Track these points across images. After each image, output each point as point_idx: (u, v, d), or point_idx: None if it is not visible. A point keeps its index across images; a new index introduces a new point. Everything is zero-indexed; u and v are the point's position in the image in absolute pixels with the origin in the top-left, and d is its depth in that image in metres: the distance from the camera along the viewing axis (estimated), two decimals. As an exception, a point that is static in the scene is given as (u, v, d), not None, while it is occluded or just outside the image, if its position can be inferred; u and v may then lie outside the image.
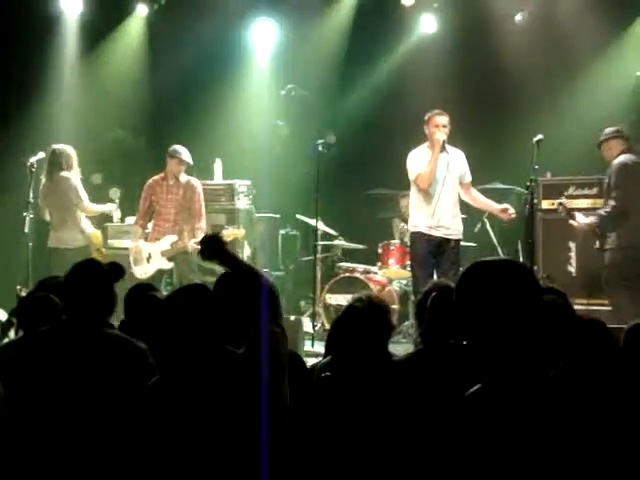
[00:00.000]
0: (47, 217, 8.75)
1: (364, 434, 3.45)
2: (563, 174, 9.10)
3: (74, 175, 8.63)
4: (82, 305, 3.72)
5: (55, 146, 8.70)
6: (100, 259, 8.23)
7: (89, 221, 8.83)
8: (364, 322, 3.67)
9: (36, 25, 9.96)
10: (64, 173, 8.57)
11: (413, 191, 8.08)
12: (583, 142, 8.99)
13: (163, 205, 8.62)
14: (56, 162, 8.59)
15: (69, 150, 8.70)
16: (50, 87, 10.30)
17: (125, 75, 10.50)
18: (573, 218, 8.08)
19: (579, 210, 8.27)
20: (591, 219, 7.93)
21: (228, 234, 8.65)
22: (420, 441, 3.33)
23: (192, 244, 8.29)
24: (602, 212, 7.87)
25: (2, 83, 10.00)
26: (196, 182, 8.70)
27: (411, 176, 8.03)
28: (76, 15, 10.44)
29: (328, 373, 3.64)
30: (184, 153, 8.60)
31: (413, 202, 8.08)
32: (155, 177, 8.74)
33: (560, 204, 8.29)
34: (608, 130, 8.00)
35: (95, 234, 8.93)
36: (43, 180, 8.67)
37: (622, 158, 7.83)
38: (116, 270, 3.92)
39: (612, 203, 7.75)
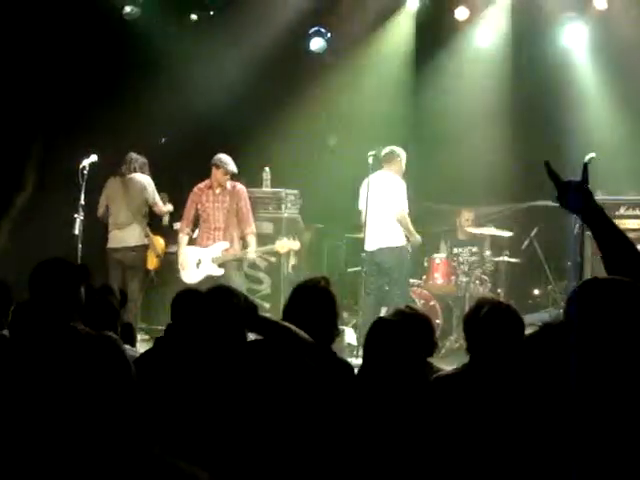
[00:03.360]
0: (107, 217, 8.88)
1: (399, 446, 3.42)
2: (615, 193, 8.99)
3: (150, 179, 8.87)
4: (49, 301, 3.73)
5: (132, 152, 9.05)
6: (156, 264, 8.33)
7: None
8: (399, 334, 3.64)
9: (86, 27, 10.08)
10: (140, 175, 8.79)
11: (395, 213, 8.79)
12: (635, 162, 8.89)
13: (210, 213, 8.69)
14: (131, 165, 8.81)
15: (144, 159, 9.05)
16: (111, 92, 10.42)
17: (176, 81, 10.57)
18: None
19: (629, 231, 8.16)
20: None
21: (282, 246, 8.68)
22: (464, 457, 3.30)
23: (248, 252, 8.54)
24: None
25: (64, 88, 10.12)
26: (242, 187, 8.79)
27: (401, 206, 8.79)
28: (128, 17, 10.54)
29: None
30: (230, 164, 8.67)
31: (397, 222, 8.82)
32: (200, 185, 8.82)
33: None
34: None
35: (158, 239, 9.09)
36: (113, 180, 8.87)
37: None
38: (82, 271, 3.95)
39: None
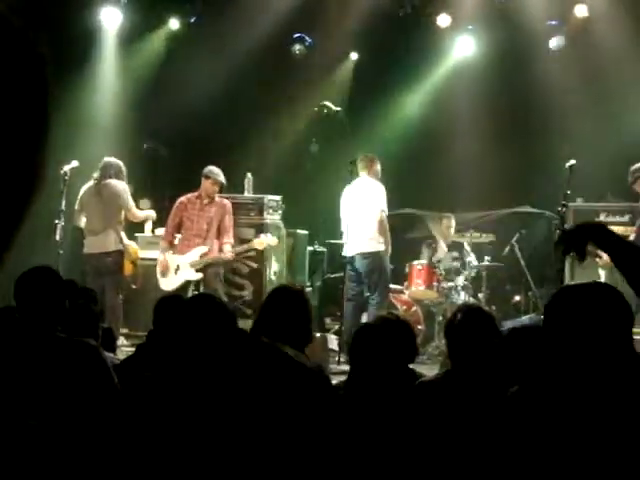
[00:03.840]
0: (82, 224, 8.86)
1: (384, 452, 3.43)
2: (595, 200, 9.05)
3: (124, 184, 8.81)
4: (33, 309, 3.76)
5: (107, 158, 8.91)
6: (131, 270, 8.30)
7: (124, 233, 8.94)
8: (383, 340, 3.66)
9: (72, 36, 10.06)
10: (114, 180, 8.74)
11: (375, 218, 8.71)
12: (616, 168, 8.95)
13: (195, 220, 8.74)
14: (106, 171, 8.75)
15: (120, 164, 8.91)
16: (84, 97, 10.39)
17: (158, 88, 10.57)
18: (597, 256, 8.05)
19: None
20: None
21: (260, 242, 8.73)
22: (445, 461, 3.32)
23: (228, 252, 8.57)
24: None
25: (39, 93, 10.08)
26: (229, 203, 8.91)
27: (381, 207, 8.72)
28: (114, 27, 10.53)
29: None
30: (220, 175, 8.78)
31: (377, 226, 8.73)
32: (189, 195, 8.87)
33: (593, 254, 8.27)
34: (631, 171, 8.01)
35: (132, 247, 9.04)
36: (87, 186, 8.81)
37: None
38: (69, 286, 4.01)
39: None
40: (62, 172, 8.55)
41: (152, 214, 9.38)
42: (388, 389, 3.58)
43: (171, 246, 8.90)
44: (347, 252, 8.77)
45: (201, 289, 8.83)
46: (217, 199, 8.83)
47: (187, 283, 8.61)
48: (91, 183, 8.85)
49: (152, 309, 4.55)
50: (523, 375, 3.25)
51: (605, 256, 7.97)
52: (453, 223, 10.45)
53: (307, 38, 11.07)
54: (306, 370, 3.73)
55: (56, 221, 8.42)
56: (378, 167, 9.04)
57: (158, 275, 8.76)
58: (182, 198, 8.90)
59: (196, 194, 8.84)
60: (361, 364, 3.68)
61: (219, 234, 8.73)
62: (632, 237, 7.87)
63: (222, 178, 8.79)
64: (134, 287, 9.13)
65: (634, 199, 8.40)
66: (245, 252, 9.03)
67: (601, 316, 2.36)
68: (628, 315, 2.40)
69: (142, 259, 9.71)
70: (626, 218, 8.66)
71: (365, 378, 3.63)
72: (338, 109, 10.78)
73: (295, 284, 4.23)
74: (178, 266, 8.69)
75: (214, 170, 8.78)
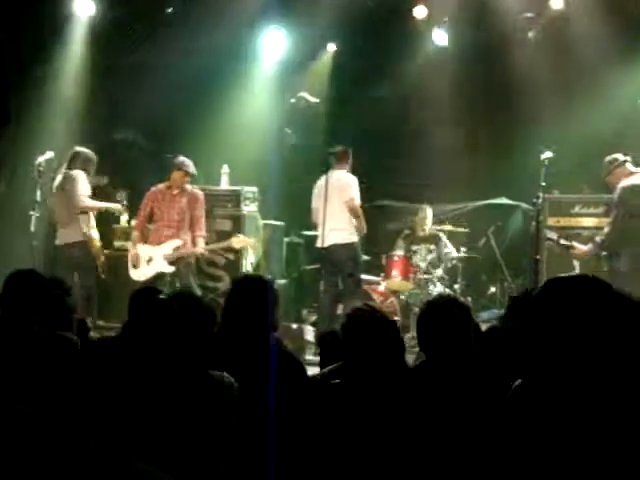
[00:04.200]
0: (53, 216, 8.81)
1: (376, 440, 3.44)
2: (571, 192, 9.11)
3: (81, 173, 8.67)
4: (18, 308, 3.78)
5: (77, 148, 8.82)
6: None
7: (94, 228, 8.84)
8: (360, 331, 3.69)
9: (45, 26, 9.98)
10: (75, 171, 8.65)
11: (348, 209, 8.72)
12: (592, 160, 9.00)
13: (165, 211, 8.71)
14: (72, 162, 8.68)
15: (89, 154, 8.80)
16: (60, 88, 10.31)
17: (134, 79, 10.50)
18: (571, 248, 8.12)
19: (585, 229, 8.29)
20: (589, 247, 8.01)
21: (238, 242, 8.71)
22: (428, 450, 3.34)
23: (201, 248, 8.57)
24: (597, 239, 7.94)
25: (20, 83, 10.01)
26: (200, 193, 8.84)
27: (353, 198, 8.73)
28: (87, 17, 10.43)
29: (337, 380, 3.66)
30: (190, 166, 8.74)
31: (348, 217, 8.74)
32: (160, 185, 8.83)
33: (549, 239, 8.33)
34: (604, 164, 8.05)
35: (95, 240, 8.83)
36: (56, 178, 8.75)
37: (623, 182, 7.87)
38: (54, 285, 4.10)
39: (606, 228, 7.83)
40: (36, 163, 8.49)
41: (113, 207, 9.25)
42: (378, 378, 3.61)
43: (143, 236, 8.86)
44: (321, 243, 8.77)
45: (177, 283, 8.80)
46: (188, 189, 8.78)
47: (159, 275, 8.58)
48: (58, 174, 8.78)
49: (126, 300, 4.53)
50: (508, 369, 3.28)
51: (581, 247, 8.05)
52: (430, 214, 10.47)
53: (280, 32, 11.04)
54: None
55: (30, 212, 8.36)
56: (350, 159, 9.02)
57: (129, 266, 8.73)
58: (153, 188, 8.87)
59: (166, 184, 8.80)
60: (353, 355, 3.71)
61: (192, 225, 8.70)
62: (606, 229, 7.93)
63: (193, 169, 8.75)
64: (103, 277, 9.02)
65: (609, 191, 8.46)
66: (223, 249, 9.00)
67: (589, 306, 2.38)
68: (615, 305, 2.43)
69: (117, 249, 9.69)
70: (600, 210, 8.73)
71: (354, 368, 3.66)
72: (316, 101, 10.79)
73: (264, 275, 4.25)
74: (150, 257, 8.66)
75: (185, 161, 8.75)
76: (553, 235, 8.36)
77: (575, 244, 8.14)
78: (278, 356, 3.77)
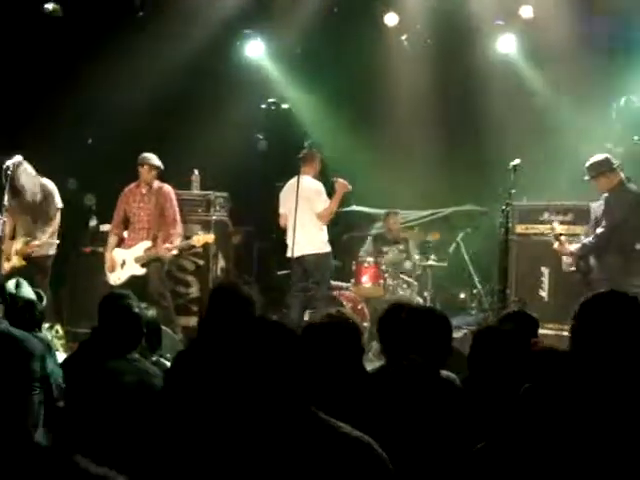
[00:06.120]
0: None
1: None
2: (540, 199, 9.15)
3: None
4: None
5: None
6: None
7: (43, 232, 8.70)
8: (328, 338, 3.69)
9: (22, 24, 9.90)
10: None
11: (314, 217, 8.66)
12: (562, 166, 9.06)
13: (136, 213, 8.67)
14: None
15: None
16: (37, 92, 10.24)
17: (105, 81, 10.44)
18: (559, 242, 8.10)
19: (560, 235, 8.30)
20: (576, 247, 7.98)
21: (198, 239, 8.62)
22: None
23: (165, 248, 8.41)
24: (586, 241, 7.92)
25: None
26: (168, 188, 8.77)
27: (324, 207, 8.66)
28: (63, 15, 10.37)
29: None
30: (152, 158, 8.70)
31: (319, 225, 8.72)
32: (130, 186, 8.81)
33: (551, 226, 8.33)
34: (595, 164, 7.82)
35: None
36: None
37: (617, 189, 7.76)
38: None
39: (599, 231, 7.78)
40: (4, 167, 8.41)
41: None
42: (335, 385, 3.60)
43: (119, 240, 8.79)
44: (291, 253, 8.58)
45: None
46: (156, 186, 8.72)
47: (134, 278, 8.48)
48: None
49: (94, 305, 4.52)
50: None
51: (567, 246, 8.03)
52: (399, 220, 10.51)
53: (257, 36, 11.06)
54: None
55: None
56: (317, 160, 8.94)
57: (106, 271, 8.66)
58: (125, 189, 8.85)
59: (136, 183, 8.78)
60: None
61: (164, 223, 8.63)
62: (600, 231, 7.83)
63: (156, 161, 8.69)
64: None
65: (577, 199, 8.51)
66: (184, 249, 8.88)
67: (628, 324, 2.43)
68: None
69: (86, 255, 9.63)
70: (569, 217, 8.75)
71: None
72: (286, 106, 10.79)
73: (238, 280, 4.21)
74: (124, 261, 8.60)
75: (147, 156, 8.70)
76: (556, 224, 8.36)
77: (563, 239, 8.11)
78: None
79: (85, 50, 10.31)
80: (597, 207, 7.95)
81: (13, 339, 3.86)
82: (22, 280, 4.86)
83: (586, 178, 7.86)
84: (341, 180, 8.78)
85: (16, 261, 8.39)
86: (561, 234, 8.18)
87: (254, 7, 10.68)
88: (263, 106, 10.91)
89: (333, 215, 8.82)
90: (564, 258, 8.17)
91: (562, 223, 8.79)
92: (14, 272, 7.89)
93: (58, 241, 8.61)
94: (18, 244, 8.46)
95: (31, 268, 8.25)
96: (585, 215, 8.28)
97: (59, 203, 8.61)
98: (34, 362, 3.85)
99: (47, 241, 8.53)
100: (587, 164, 7.83)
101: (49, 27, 10.31)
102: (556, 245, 8.14)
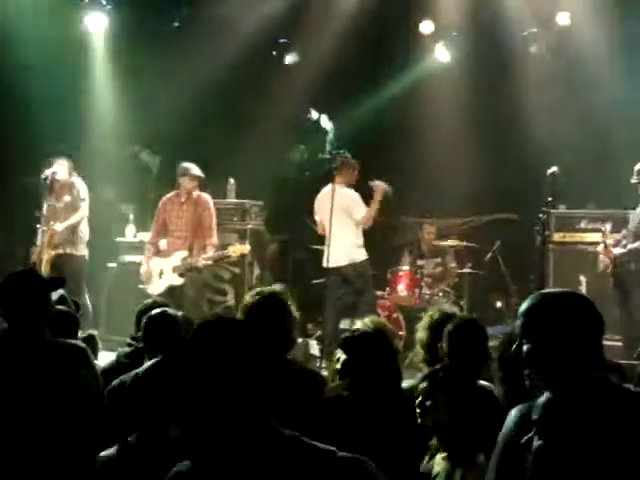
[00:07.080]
0: None
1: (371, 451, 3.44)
2: (576, 207, 9.08)
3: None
4: (19, 313, 3.74)
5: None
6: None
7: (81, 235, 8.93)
8: (363, 347, 3.72)
9: (57, 41, 10.00)
10: None
11: (350, 227, 8.63)
12: (600, 174, 8.98)
13: (175, 222, 8.69)
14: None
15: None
16: (67, 100, 10.34)
17: (143, 92, 10.53)
18: (605, 246, 8.06)
19: (590, 244, 8.24)
20: (620, 251, 7.96)
21: (234, 250, 8.64)
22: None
23: (202, 259, 8.41)
24: (632, 247, 7.89)
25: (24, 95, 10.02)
26: (206, 197, 8.79)
27: (361, 215, 8.64)
28: (101, 31, 10.49)
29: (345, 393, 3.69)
30: (193, 168, 8.73)
31: (354, 234, 8.69)
32: (169, 195, 8.85)
33: (603, 233, 8.29)
34: None
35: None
36: None
37: None
38: (55, 281, 4.13)
39: None
40: (43, 177, 8.55)
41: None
42: (375, 394, 3.61)
43: (156, 249, 8.83)
44: (327, 263, 8.55)
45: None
46: (195, 196, 8.74)
47: (172, 288, 8.47)
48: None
49: (130, 314, 4.54)
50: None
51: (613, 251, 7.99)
52: (435, 229, 10.47)
53: (291, 44, 11.09)
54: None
55: (38, 225, 8.48)
56: (351, 168, 8.89)
57: (143, 279, 8.69)
58: (164, 198, 8.89)
59: (175, 193, 8.81)
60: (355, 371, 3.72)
61: (202, 233, 8.64)
62: (630, 245, 7.86)
63: (197, 171, 8.72)
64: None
65: (616, 207, 8.45)
66: (219, 259, 8.87)
67: (574, 325, 2.41)
68: (599, 324, 2.46)
69: (124, 263, 9.69)
70: (607, 226, 8.68)
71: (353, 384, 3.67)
72: (321, 115, 10.78)
73: (276, 289, 4.15)
74: (162, 270, 8.61)
75: (188, 166, 8.73)
76: (608, 228, 8.34)
77: (608, 243, 8.09)
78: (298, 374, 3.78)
79: (125, 62, 10.45)
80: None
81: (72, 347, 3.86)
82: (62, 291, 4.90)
83: (633, 181, 7.86)
84: (379, 183, 8.74)
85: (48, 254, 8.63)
86: (605, 241, 8.17)
87: (289, 17, 10.69)
88: (299, 116, 10.92)
89: (373, 220, 8.77)
90: (601, 257, 8.14)
91: (599, 231, 8.71)
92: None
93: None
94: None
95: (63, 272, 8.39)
96: (624, 223, 8.21)
97: (85, 196, 8.97)
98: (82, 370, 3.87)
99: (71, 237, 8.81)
100: (637, 167, 7.86)
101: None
102: (600, 247, 8.09)
